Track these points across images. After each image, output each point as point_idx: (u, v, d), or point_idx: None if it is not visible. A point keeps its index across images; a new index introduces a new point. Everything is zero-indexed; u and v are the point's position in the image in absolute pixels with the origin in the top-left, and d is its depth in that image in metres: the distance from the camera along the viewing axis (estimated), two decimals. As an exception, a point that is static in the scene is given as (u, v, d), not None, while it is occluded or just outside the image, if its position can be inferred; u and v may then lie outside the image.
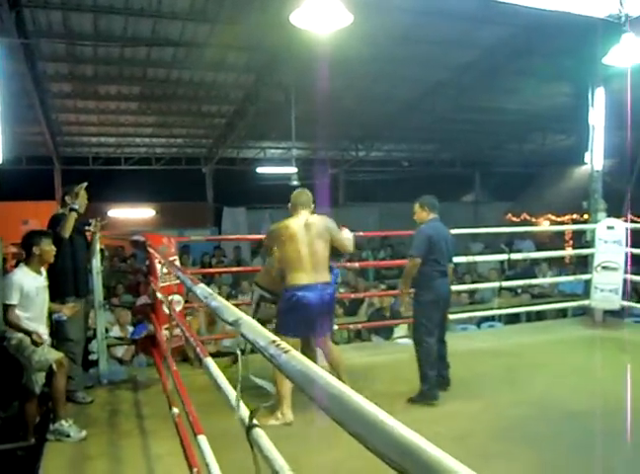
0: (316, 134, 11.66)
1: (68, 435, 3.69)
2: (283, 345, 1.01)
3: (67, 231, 4.30)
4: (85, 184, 4.51)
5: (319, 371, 0.86)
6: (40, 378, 4.04)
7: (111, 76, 9.82)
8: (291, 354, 0.96)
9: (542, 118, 13.61)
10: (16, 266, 4.76)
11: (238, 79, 10.27)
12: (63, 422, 3.71)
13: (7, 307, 3.83)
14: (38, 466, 3.35)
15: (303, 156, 15.28)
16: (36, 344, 3.78)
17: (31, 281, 3.93)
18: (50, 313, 4.21)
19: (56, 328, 4.27)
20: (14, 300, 3.83)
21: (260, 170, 15.10)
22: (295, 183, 11.71)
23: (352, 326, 6.31)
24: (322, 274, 3.86)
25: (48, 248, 4.02)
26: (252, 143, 15.67)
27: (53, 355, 3.83)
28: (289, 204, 4.07)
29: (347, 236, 4.21)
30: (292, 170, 12.63)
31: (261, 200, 16.27)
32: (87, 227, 4.66)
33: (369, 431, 0.69)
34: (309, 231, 3.88)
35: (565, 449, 3.33)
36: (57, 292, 4.28)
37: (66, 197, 4.50)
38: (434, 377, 4.18)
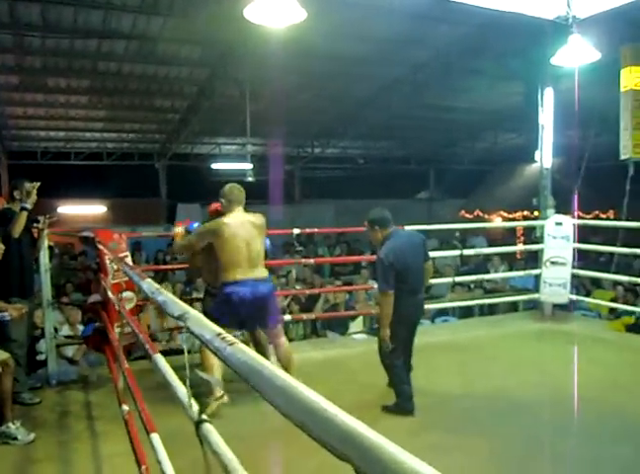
0: (272, 130, 11.62)
1: (15, 438, 3.57)
2: (229, 337, 0.99)
3: (18, 231, 4.16)
4: (38, 184, 4.37)
5: (264, 363, 0.85)
6: None
7: (60, 68, 9.53)
8: (236, 346, 0.95)
9: (494, 117, 13.93)
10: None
11: (192, 74, 10.13)
12: (10, 424, 3.59)
13: None
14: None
15: (259, 152, 15.20)
16: None
17: None
18: None
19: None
20: None
21: (214, 166, 14.94)
22: (250, 179, 11.63)
23: (305, 316, 6.27)
24: (258, 270, 3.93)
25: None
26: (206, 139, 15.50)
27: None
28: (222, 200, 4.08)
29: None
30: (248, 166, 12.53)
31: (216, 197, 16.04)
32: (35, 224, 4.51)
33: (313, 419, 0.69)
34: (246, 228, 3.93)
35: (517, 440, 3.41)
36: (2, 292, 4.14)
37: (14, 193, 4.36)
38: (407, 390, 3.95)
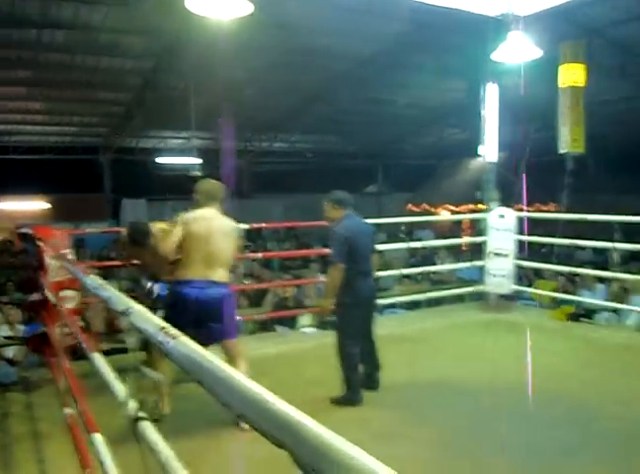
0: (218, 124, 11.47)
1: None
2: (172, 331, 0.99)
3: None
4: None
5: (206, 355, 0.85)
6: None
7: (-4, 59, 9.14)
8: (180, 339, 0.94)
9: (438, 113, 14.22)
10: None
11: (135, 65, 9.90)
12: None
13: None
14: None
15: (206, 146, 15.00)
16: None
17: None
18: None
19: None
20: None
21: (160, 160, 14.66)
22: (197, 173, 11.48)
23: (256, 316, 6.29)
24: (215, 271, 3.55)
25: None
26: (152, 132, 15.18)
27: None
28: (196, 195, 3.77)
29: None
30: (195, 160, 12.36)
31: (162, 192, 15.81)
32: None
33: (252, 409, 0.70)
34: (212, 226, 3.61)
35: (461, 427, 3.51)
36: None
37: None
38: (356, 381, 3.99)
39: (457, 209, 16.76)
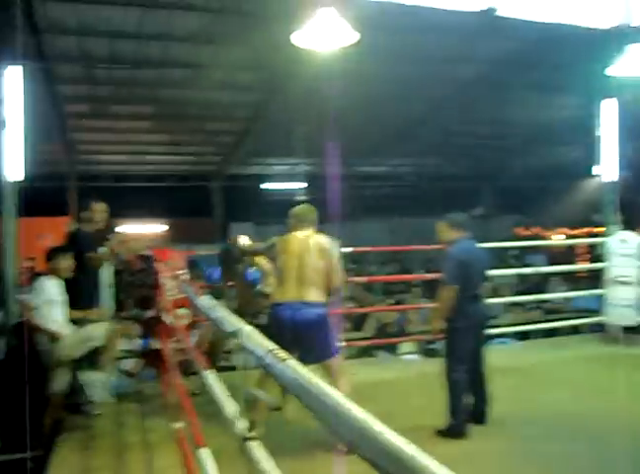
0: (322, 150, 11.70)
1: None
2: (281, 353, 1.01)
3: (96, 266, 4.40)
4: (117, 235, 4.61)
5: (314, 381, 0.86)
6: (61, 377, 4.12)
7: (124, 97, 9.96)
8: (287, 363, 0.96)
9: (549, 131, 13.57)
10: (32, 278, 4.89)
11: (245, 97, 10.37)
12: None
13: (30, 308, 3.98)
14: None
15: (310, 171, 15.33)
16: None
17: (53, 288, 4.11)
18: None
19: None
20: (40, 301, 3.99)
21: (266, 186, 15.15)
22: (303, 198, 11.74)
23: (357, 343, 6.25)
24: (307, 291, 3.52)
25: (65, 264, 4.18)
26: (260, 160, 15.75)
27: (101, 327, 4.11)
28: (289, 219, 3.94)
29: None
30: (299, 185, 12.67)
31: (268, 216, 16.32)
32: (105, 243, 4.67)
33: (361, 438, 0.69)
34: (305, 246, 3.64)
35: (578, 471, 3.24)
36: (82, 304, 4.42)
37: (81, 214, 4.61)
38: (462, 411, 3.86)
39: (572, 233, 15.85)
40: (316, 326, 3.52)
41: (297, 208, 3.97)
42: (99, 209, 4.62)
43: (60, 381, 4.17)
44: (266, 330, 3.56)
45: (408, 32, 7.68)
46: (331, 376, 3.52)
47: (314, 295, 3.54)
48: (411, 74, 9.08)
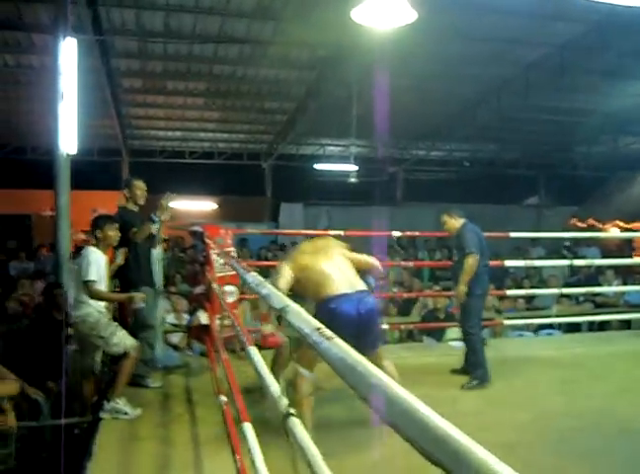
0: (376, 132, 11.60)
1: (125, 413, 3.83)
2: (327, 332, 1.01)
3: (141, 239, 4.46)
4: (171, 196, 4.64)
5: (359, 359, 0.86)
6: (100, 358, 4.24)
7: (179, 72, 10.12)
8: (334, 341, 0.96)
9: (615, 120, 13.04)
10: (78, 249, 4.97)
11: (300, 76, 10.35)
12: (118, 400, 3.86)
13: (89, 284, 3.95)
14: (92, 442, 3.49)
15: (362, 154, 15.24)
16: (132, 302, 4.14)
17: (102, 260, 4.09)
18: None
19: (135, 316, 4.46)
20: (93, 276, 3.95)
21: (318, 167, 15.17)
22: (353, 180, 11.69)
23: (403, 326, 6.26)
24: (356, 281, 3.46)
25: (112, 233, 4.16)
26: (312, 140, 15.77)
27: (131, 342, 3.98)
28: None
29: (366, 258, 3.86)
30: (351, 167, 12.62)
31: (318, 197, 16.37)
32: (159, 215, 4.70)
33: (406, 420, 0.69)
34: (324, 250, 3.63)
35: (621, 467, 3.17)
36: (130, 283, 4.46)
37: (125, 191, 4.66)
38: (485, 360, 4.59)
39: (629, 226, 15.24)
40: (376, 313, 3.48)
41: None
42: (140, 187, 4.67)
43: (98, 362, 4.30)
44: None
45: (468, 10, 7.48)
46: (379, 362, 3.38)
47: (361, 284, 3.48)
48: (470, 54, 8.85)
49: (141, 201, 4.67)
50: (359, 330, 3.22)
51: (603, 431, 3.66)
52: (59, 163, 5.54)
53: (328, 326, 3.02)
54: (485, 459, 0.57)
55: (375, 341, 3.47)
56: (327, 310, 3.27)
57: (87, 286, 3.95)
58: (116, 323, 4.14)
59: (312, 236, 4.10)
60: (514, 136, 15.04)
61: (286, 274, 3.47)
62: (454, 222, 4.84)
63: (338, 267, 3.48)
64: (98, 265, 4.01)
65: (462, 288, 4.56)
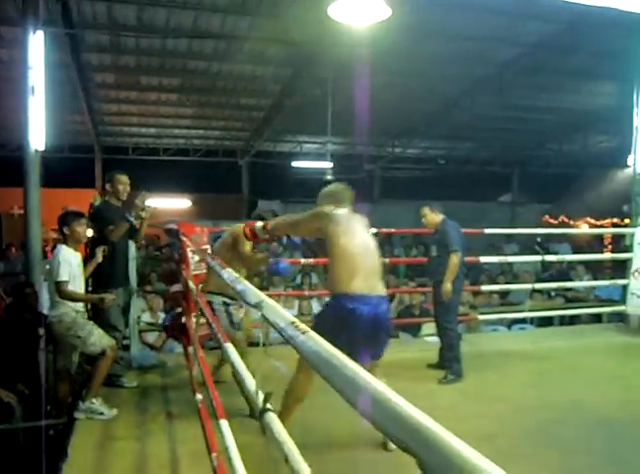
0: (353, 130, 11.64)
1: (101, 413, 3.78)
2: (302, 326, 1.01)
3: (117, 237, 4.37)
4: (146, 194, 4.56)
5: (335, 353, 0.86)
6: (77, 359, 4.17)
7: (152, 67, 9.99)
8: (309, 335, 0.96)
9: (584, 119, 13.30)
10: (53, 248, 4.87)
11: (276, 72, 10.32)
12: (94, 400, 3.81)
13: (60, 285, 3.87)
14: (67, 443, 3.43)
15: (339, 151, 15.28)
16: (103, 304, 3.99)
17: (74, 259, 4.00)
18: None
19: (103, 315, 4.35)
20: (65, 276, 3.87)
21: (295, 164, 15.15)
22: (330, 177, 11.70)
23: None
24: (378, 283, 3.08)
25: (79, 229, 4.06)
26: (288, 137, 15.74)
27: (107, 341, 3.92)
28: (325, 198, 3.36)
29: None
30: (328, 165, 12.63)
31: (296, 194, 16.35)
32: (135, 214, 4.61)
33: (380, 411, 0.69)
34: (364, 230, 3.19)
35: (595, 455, 3.24)
36: (102, 283, 4.37)
37: (107, 186, 4.58)
38: (460, 354, 4.69)
39: (599, 223, 15.55)
40: (388, 322, 3.21)
41: (334, 187, 3.47)
42: (123, 181, 4.59)
43: (74, 363, 4.21)
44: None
45: (444, 9, 7.54)
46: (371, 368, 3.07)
47: (382, 288, 3.14)
48: (446, 53, 8.93)
49: (123, 197, 4.57)
50: (369, 336, 2.98)
51: (579, 421, 3.74)
52: (29, 160, 5.41)
53: (339, 323, 2.88)
54: (455, 446, 0.58)
55: (382, 351, 3.20)
56: (344, 308, 2.97)
57: (58, 287, 3.89)
58: (92, 322, 4.06)
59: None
60: (488, 135, 15.24)
61: (308, 219, 3.21)
62: (434, 217, 4.89)
63: (371, 258, 3.09)
64: (69, 263, 3.92)
65: (449, 286, 4.60)
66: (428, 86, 10.89)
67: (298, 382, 3.01)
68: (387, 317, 3.16)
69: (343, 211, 3.17)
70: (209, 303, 3.90)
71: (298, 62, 9.64)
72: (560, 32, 8.29)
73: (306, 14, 7.23)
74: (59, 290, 3.89)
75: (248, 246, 4.10)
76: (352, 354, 2.68)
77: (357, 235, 3.09)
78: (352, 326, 2.91)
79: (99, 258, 4.32)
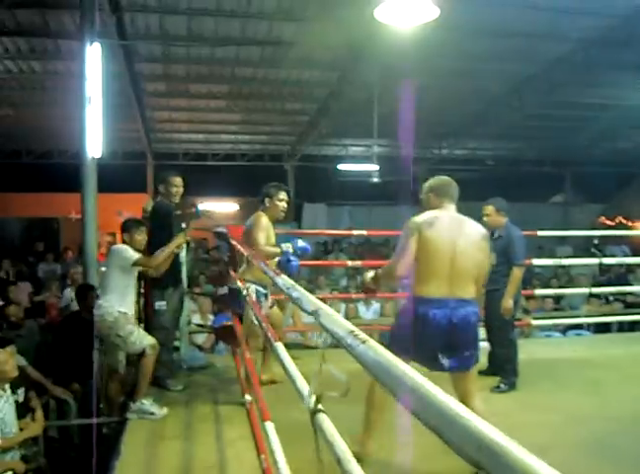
0: (398, 132, 11.56)
1: (152, 413, 3.86)
2: (362, 335, 1.00)
3: (178, 249, 4.40)
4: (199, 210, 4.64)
5: (398, 363, 0.85)
6: (124, 358, 4.29)
7: (201, 75, 10.20)
8: (369, 344, 0.95)
9: (640, 116, 12.78)
10: (108, 251, 5.02)
11: (322, 76, 10.34)
12: (144, 400, 3.89)
13: (138, 261, 4.01)
14: (119, 442, 3.52)
15: (385, 154, 15.17)
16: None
17: (130, 252, 4.06)
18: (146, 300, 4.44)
19: (154, 316, 4.45)
20: (136, 254, 4.02)
21: (341, 167, 15.16)
22: (376, 180, 11.66)
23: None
24: (461, 287, 2.89)
25: (139, 237, 4.19)
26: (334, 141, 15.75)
27: (149, 340, 4.01)
28: (428, 194, 3.17)
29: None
30: (373, 167, 12.59)
31: (340, 197, 16.36)
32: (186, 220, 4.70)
33: (444, 422, 0.68)
34: (459, 232, 2.95)
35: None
36: (159, 283, 4.43)
37: (160, 187, 4.65)
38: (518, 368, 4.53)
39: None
40: (470, 327, 2.92)
41: (438, 180, 3.22)
42: (177, 183, 4.64)
43: (122, 362, 4.32)
44: None
45: (491, 6, 7.39)
46: (463, 391, 2.94)
47: (468, 292, 2.93)
48: (493, 51, 8.75)
49: (176, 199, 4.60)
50: (448, 343, 2.84)
51: (637, 434, 3.58)
52: (86, 166, 5.61)
53: (407, 325, 2.86)
54: (528, 461, 0.56)
55: (470, 359, 2.94)
56: (413, 311, 2.87)
57: (139, 264, 4.02)
58: (134, 322, 4.15)
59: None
60: (538, 134, 14.84)
61: (411, 251, 2.91)
62: (499, 219, 4.56)
63: (459, 260, 2.89)
64: (131, 252, 4.05)
65: (510, 303, 4.38)
66: (475, 85, 10.70)
67: (374, 392, 2.91)
68: (471, 320, 2.89)
69: (433, 217, 2.99)
70: (233, 290, 4.01)
71: (344, 66, 9.64)
72: (614, 26, 8.00)
73: (352, 17, 7.21)
74: (142, 264, 4.04)
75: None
76: (425, 358, 2.68)
77: (444, 240, 2.90)
78: (421, 328, 2.80)
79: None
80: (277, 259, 4.14)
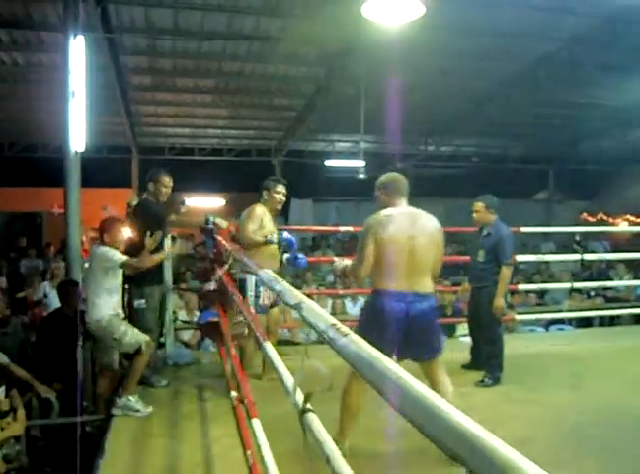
0: (385, 128, 11.58)
1: (137, 410, 3.85)
2: (344, 328, 1.01)
3: (152, 247, 4.26)
4: (184, 207, 4.61)
5: (378, 356, 0.86)
6: (117, 357, 4.27)
7: (188, 69, 10.11)
8: (350, 337, 0.96)
9: (624, 114, 12.93)
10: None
11: (309, 72, 10.32)
12: (131, 397, 3.88)
13: (125, 263, 3.97)
14: (103, 440, 3.50)
15: (371, 150, 15.19)
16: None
17: (117, 254, 4.02)
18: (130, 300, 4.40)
19: (135, 315, 4.40)
20: (123, 257, 3.96)
21: (328, 163, 15.16)
22: (362, 176, 11.67)
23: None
24: (418, 282, 3.00)
25: (120, 236, 4.09)
26: (321, 136, 15.74)
27: (144, 337, 3.99)
28: (382, 191, 3.24)
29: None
30: (360, 163, 12.60)
31: (327, 193, 16.35)
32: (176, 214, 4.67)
33: (426, 416, 0.69)
34: (413, 228, 3.03)
35: (636, 460, 3.16)
36: (139, 281, 4.37)
37: (149, 184, 4.58)
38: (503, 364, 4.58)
39: (637, 221, 15.16)
40: (428, 319, 3.06)
41: (386, 178, 3.29)
42: (167, 183, 4.58)
43: (116, 360, 4.30)
44: None
45: (477, 5, 7.42)
46: (433, 378, 3.12)
47: (427, 286, 3.05)
48: (480, 49, 8.79)
49: (163, 199, 4.53)
50: (406, 335, 2.96)
51: (618, 425, 3.65)
52: (69, 160, 5.53)
53: (370, 319, 2.97)
54: (510, 457, 0.57)
55: (430, 349, 3.11)
56: (374, 304, 3.05)
57: (126, 266, 3.98)
58: (126, 321, 4.12)
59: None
60: (522, 131, 14.96)
61: (370, 253, 3.00)
62: (488, 216, 4.58)
63: (416, 253, 2.98)
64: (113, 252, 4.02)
65: (501, 302, 4.44)
66: (461, 83, 10.76)
67: (350, 393, 2.99)
68: (427, 313, 3.02)
69: (390, 211, 3.08)
70: (242, 281, 4.02)
71: (331, 62, 9.63)
72: (597, 26, 8.08)
73: (340, 13, 7.21)
74: (128, 266, 4.00)
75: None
76: (386, 348, 2.48)
77: (402, 235, 2.99)
78: (381, 321, 2.94)
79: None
80: (285, 256, 4.19)
